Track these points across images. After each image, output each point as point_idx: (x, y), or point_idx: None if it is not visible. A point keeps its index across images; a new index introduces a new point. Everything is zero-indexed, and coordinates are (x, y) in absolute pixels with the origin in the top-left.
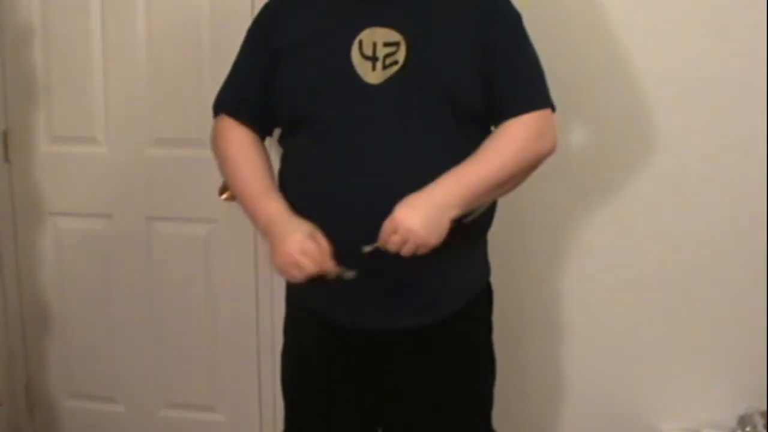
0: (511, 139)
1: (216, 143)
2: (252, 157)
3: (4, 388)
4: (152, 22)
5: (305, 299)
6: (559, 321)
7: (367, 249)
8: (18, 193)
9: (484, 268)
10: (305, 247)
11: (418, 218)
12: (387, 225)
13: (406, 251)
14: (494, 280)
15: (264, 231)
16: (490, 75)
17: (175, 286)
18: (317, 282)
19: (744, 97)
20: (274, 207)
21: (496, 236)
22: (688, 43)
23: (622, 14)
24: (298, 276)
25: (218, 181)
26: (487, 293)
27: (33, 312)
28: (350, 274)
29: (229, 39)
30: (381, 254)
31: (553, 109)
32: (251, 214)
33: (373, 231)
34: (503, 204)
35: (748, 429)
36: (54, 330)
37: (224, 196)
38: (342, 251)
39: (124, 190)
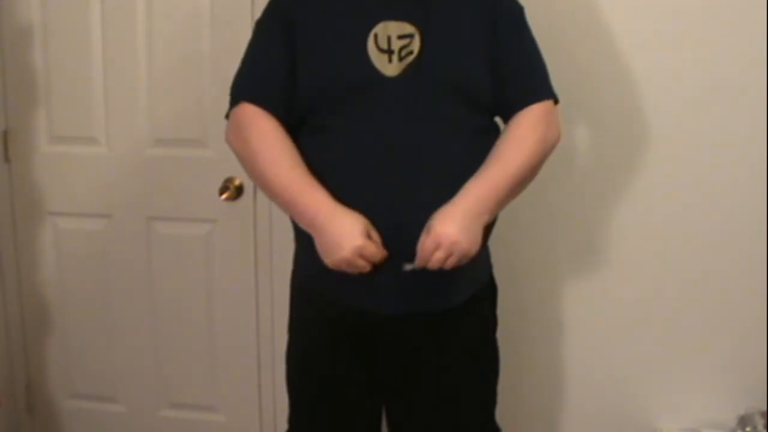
0: (526, 133)
1: (240, 134)
2: (287, 148)
3: (4, 388)
4: (152, 22)
5: (316, 288)
6: (559, 321)
7: (408, 267)
8: (18, 193)
9: (488, 258)
10: (366, 251)
11: (459, 230)
12: (427, 243)
13: (450, 265)
14: (496, 279)
15: (311, 224)
16: (496, 66)
17: (175, 286)
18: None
19: (746, 97)
20: (321, 199)
21: (497, 236)
22: (689, 43)
23: (621, 13)
24: (352, 272)
25: (218, 181)
26: (492, 288)
27: (33, 312)
28: (409, 267)
29: (230, 39)
30: (423, 271)
31: (556, 99)
32: (293, 206)
33: (397, 222)
34: (510, 206)
35: (748, 429)
36: (54, 330)
37: (224, 196)
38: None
39: (124, 190)
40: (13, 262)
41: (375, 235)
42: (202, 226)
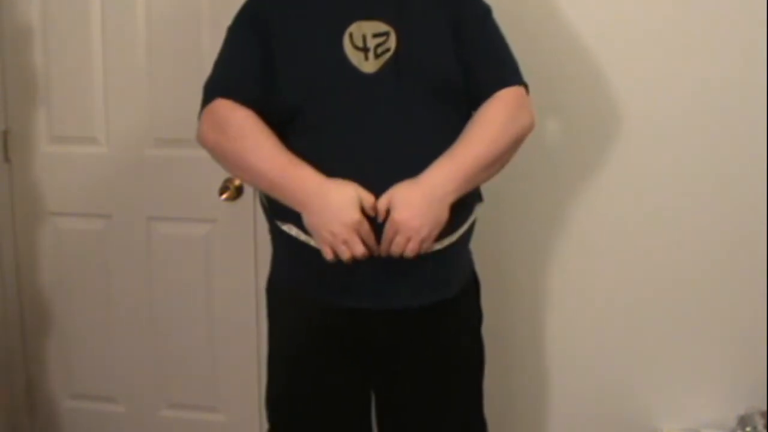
0: (493, 116)
1: (217, 126)
2: (268, 133)
3: (4, 388)
4: (152, 23)
5: (299, 289)
6: (558, 322)
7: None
8: (18, 193)
9: (469, 253)
10: (362, 229)
11: (417, 214)
12: (388, 229)
13: (410, 251)
14: (489, 279)
15: (302, 204)
16: (463, 57)
17: (175, 286)
18: (355, 261)
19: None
20: (310, 176)
21: (490, 234)
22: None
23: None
24: (345, 254)
25: (218, 181)
26: (475, 282)
27: (33, 312)
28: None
29: None
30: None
31: (527, 87)
32: (280, 185)
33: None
34: (492, 202)
35: (748, 429)
36: (54, 330)
37: (224, 196)
38: None
39: (124, 190)
40: (13, 262)
41: (369, 199)
42: (202, 226)
